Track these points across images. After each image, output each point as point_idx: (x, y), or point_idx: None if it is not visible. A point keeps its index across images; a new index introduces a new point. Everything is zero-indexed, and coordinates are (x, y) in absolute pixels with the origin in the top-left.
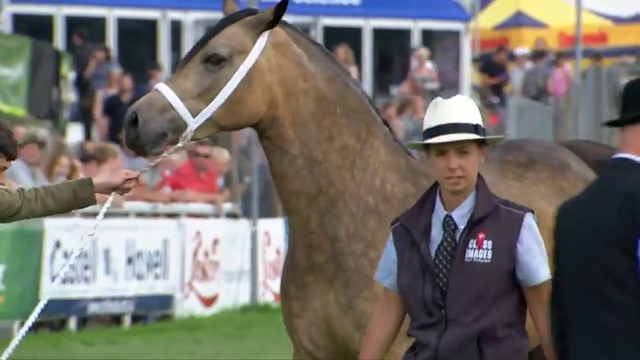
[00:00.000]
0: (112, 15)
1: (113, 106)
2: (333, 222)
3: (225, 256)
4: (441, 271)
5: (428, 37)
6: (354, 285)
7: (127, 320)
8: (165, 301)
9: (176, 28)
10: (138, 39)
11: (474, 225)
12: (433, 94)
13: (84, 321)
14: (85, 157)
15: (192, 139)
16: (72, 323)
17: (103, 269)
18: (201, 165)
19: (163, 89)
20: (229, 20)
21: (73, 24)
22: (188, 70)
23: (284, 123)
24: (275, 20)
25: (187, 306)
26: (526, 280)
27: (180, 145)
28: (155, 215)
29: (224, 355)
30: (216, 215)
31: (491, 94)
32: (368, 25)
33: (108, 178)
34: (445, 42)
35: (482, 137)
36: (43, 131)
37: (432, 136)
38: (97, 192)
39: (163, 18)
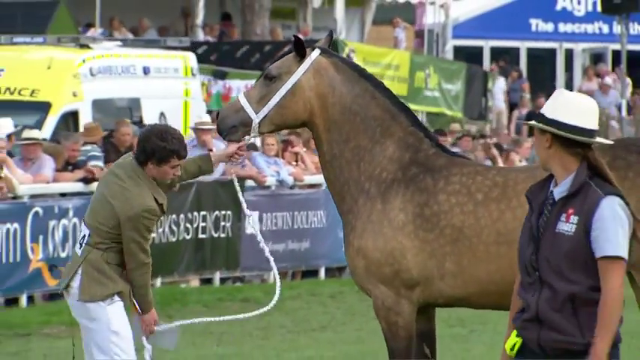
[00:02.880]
0: (524, 46)
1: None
2: (341, 201)
3: None
4: (539, 239)
5: None
6: (345, 245)
7: None
8: None
9: (569, 55)
10: (542, 63)
11: (566, 201)
12: None
13: None
14: (500, 148)
15: (260, 132)
16: None
17: None
18: None
19: (240, 96)
20: (289, 52)
21: (496, 52)
22: (256, 84)
23: (319, 128)
24: (298, 53)
25: None
26: (594, 252)
27: (253, 134)
28: None
29: None
30: None
31: None
32: None
33: (221, 151)
34: None
35: (535, 124)
36: (474, 128)
37: None
38: (215, 163)
39: (560, 48)
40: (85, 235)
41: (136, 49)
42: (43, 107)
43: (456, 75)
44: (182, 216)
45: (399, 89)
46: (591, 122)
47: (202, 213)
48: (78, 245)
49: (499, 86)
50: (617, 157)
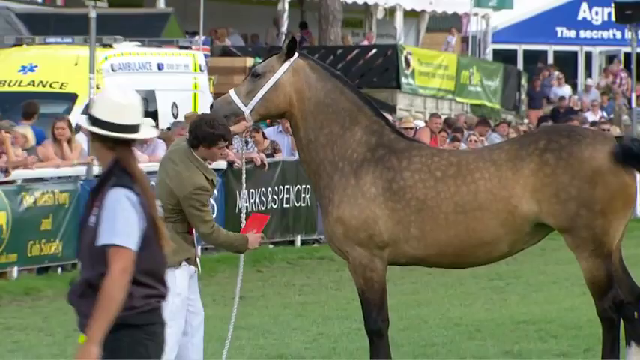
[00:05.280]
0: (551, 49)
1: (554, 114)
2: (318, 179)
3: None
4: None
5: None
6: (323, 216)
7: None
8: None
9: (588, 57)
10: (565, 64)
11: (95, 194)
12: None
13: None
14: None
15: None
16: None
17: None
18: None
19: (230, 92)
20: (275, 54)
21: (531, 56)
22: (244, 81)
23: (296, 117)
24: (288, 53)
25: None
26: (98, 240)
27: (251, 123)
28: None
29: None
30: None
31: None
32: None
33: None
34: None
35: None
36: (510, 117)
37: None
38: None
39: (581, 51)
40: None
41: (151, 48)
42: (71, 98)
43: (495, 73)
44: (270, 189)
45: (447, 85)
46: (123, 118)
47: (286, 187)
48: None
49: (565, 91)
50: (551, 141)
